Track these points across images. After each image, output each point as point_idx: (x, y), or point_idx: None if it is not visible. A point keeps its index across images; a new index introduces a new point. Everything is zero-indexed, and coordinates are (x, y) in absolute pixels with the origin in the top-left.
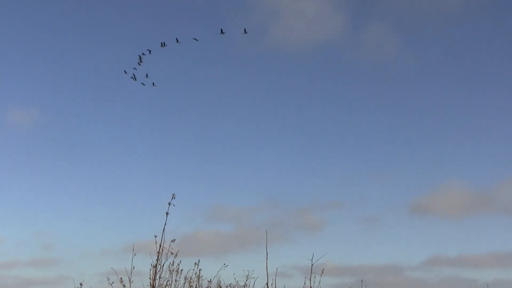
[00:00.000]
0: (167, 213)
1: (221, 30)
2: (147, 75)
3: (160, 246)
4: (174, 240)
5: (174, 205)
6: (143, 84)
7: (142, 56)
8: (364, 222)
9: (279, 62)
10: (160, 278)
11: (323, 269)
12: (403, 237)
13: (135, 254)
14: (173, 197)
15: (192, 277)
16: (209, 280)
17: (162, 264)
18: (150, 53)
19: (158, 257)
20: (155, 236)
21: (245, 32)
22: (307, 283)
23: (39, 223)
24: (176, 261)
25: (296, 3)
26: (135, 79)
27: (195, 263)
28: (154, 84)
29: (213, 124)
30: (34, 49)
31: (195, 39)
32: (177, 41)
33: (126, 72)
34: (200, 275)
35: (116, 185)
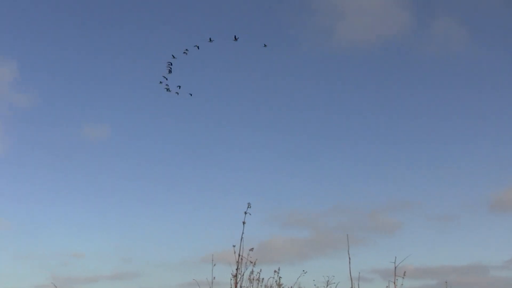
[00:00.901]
0: (243, 223)
1: (210, 39)
2: (179, 87)
3: (239, 256)
4: (253, 249)
5: (250, 214)
6: (177, 93)
7: (170, 63)
8: (441, 221)
9: (345, 62)
10: (241, 287)
11: (404, 271)
12: (484, 235)
13: (214, 265)
14: (249, 206)
15: (272, 285)
16: (289, 287)
17: (242, 274)
18: (173, 57)
19: (237, 267)
20: (234, 246)
21: (265, 46)
22: (391, 286)
23: (118, 236)
24: (256, 269)
25: (361, 0)
26: (169, 90)
27: (275, 271)
28: (191, 94)
29: (284, 131)
30: (108, 64)
31: (210, 40)
32: (210, 40)
33: (161, 83)
34: (281, 283)
35: (191, 196)
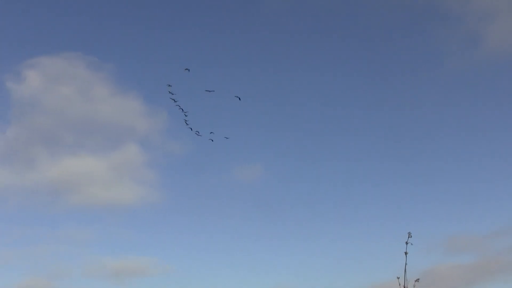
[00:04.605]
0: (406, 253)
1: (187, 69)
2: (211, 132)
3: (404, 287)
4: (418, 279)
5: (412, 244)
6: (211, 140)
7: (170, 89)
8: None
9: (497, 72)
10: None
11: None
12: None
13: None
14: (410, 235)
15: None
16: None
17: None
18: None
19: None
20: (398, 278)
21: (187, 70)
22: None
23: (278, 274)
24: None
25: None
26: (198, 133)
27: None
28: (212, 138)
29: (433, 156)
30: (257, 106)
31: (187, 69)
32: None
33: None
34: None
35: (348, 228)
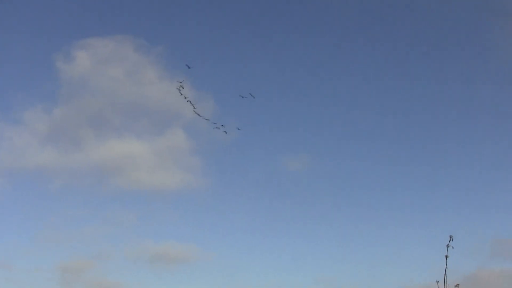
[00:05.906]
0: (446, 256)
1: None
2: (238, 128)
3: None
4: (458, 285)
5: (453, 247)
6: (225, 132)
7: (181, 87)
8: None
9: None
10: None
11: None
12: None
13: None
14: (451, 238)
15: None
16: None
17: None
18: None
19: None
20: (437, 282)
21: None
22: None
23: (318, 268)
24: None
25: None
26: (219, 128)
27: None
28: (239, 129)
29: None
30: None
31: (188, 66)
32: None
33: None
34: None
35: (389, 226)
